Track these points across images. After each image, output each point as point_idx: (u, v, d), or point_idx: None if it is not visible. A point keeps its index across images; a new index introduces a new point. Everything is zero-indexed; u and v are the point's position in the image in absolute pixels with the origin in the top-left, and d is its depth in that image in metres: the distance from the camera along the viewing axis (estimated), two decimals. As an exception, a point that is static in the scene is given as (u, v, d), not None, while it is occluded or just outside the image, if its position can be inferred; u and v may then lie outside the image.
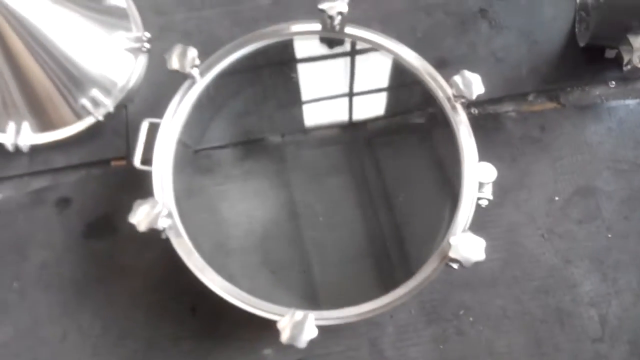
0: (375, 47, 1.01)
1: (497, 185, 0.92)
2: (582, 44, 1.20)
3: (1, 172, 1.11)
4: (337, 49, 1.07)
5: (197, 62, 0.93)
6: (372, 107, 1.19)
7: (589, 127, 1.17)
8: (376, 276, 1.04)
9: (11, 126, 1.08)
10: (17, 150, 1.09)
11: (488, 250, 0.82)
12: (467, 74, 0.92)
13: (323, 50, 1.07)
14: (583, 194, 1.11)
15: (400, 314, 1.02)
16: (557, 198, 1.11)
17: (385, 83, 1.15)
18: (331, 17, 0.96)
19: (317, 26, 1.01)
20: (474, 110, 1.16)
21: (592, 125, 1.17)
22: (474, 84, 0.91)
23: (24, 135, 1.08)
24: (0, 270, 1.04)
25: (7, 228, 1.07)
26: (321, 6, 0.95)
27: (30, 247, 1.06)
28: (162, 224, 0.84)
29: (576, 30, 1.22)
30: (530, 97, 1.20)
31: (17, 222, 1.08)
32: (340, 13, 0.96)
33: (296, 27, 1.01)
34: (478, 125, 0.95)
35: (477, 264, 0.82)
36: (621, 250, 1.07)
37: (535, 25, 1.24)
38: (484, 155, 0.92)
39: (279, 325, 0.78)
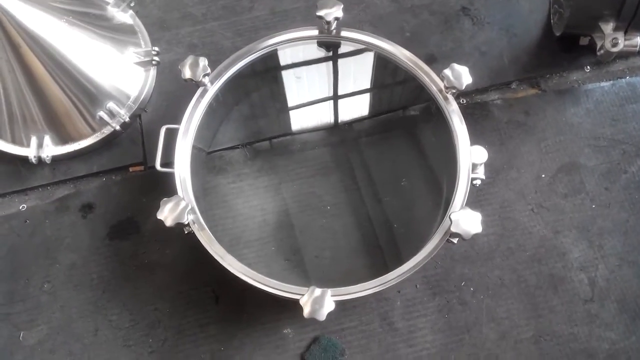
0: (371, 48, 1.06)
1: (489, 166, 0.97)
2: (557, 34, 1.24)
3: (26, 183, 1.16)
4: (335, 52, 1.12)
5: (208, 70, 0.99)
6: (369, 105, 1.23)
7: (569, 109, 1.22)
8: (383, 256, 1.09)
9: (33, 140, 1.14)
10: (40, 162, 1.14)
11: (484, 225, 0.88)
12: (456, 66, 0.97)
13: (321, 53, 1.12)
14: (567, 170, 1.17)
15: (407, 289, 1.07)
16: (543, 175, 1.16)
17: (381, 81, 1.20)
18: (328, 23, 1.02)
19: (315, 32, 1.06)
20: (463, 101, 1.21)
21: (572, 108, 1.22)
22: (463, 76, 0.97)
23: (46, 148, 1.14)
24: (31, 273, 1.10)
25: (36, 235, 1.12)
26: (319, 13, 1.01)
27: (59, 250, 1.11)
28: (187, 218, 0.90)
29: (551, 21, 1.27)
30: (514, 85, 1.25)
31: (45, 228, 1.13)
32: (336, 18, 1.01)
33: (296, 34, 1.06)
34: (467, 113, 0.98)
35: (474, 237, 0.87)
36: (605, 218, 1.13)
37: (513, 19, 1.29)
38: (475, 140, 0.97)
39: (301, 301, 0.84)
